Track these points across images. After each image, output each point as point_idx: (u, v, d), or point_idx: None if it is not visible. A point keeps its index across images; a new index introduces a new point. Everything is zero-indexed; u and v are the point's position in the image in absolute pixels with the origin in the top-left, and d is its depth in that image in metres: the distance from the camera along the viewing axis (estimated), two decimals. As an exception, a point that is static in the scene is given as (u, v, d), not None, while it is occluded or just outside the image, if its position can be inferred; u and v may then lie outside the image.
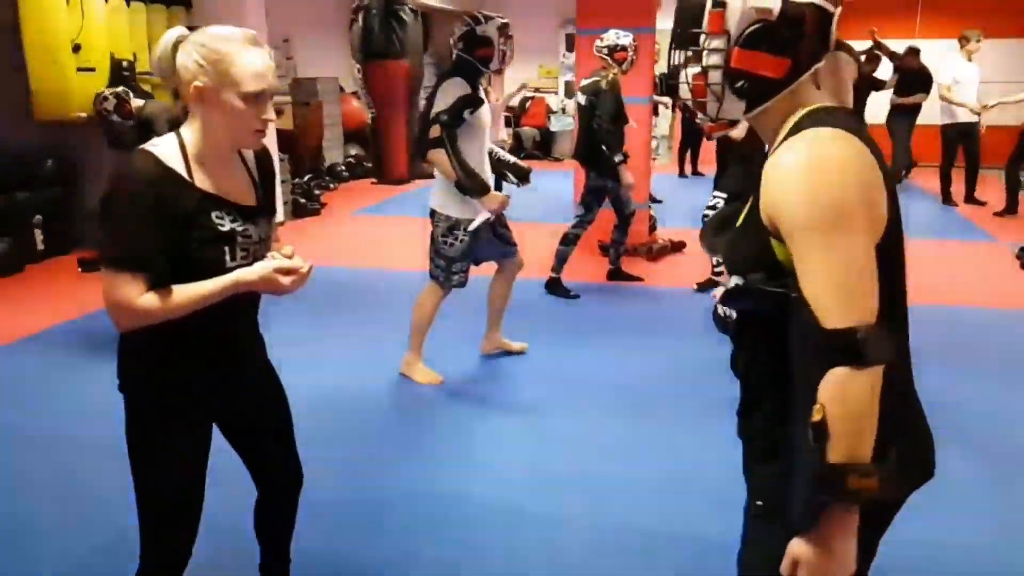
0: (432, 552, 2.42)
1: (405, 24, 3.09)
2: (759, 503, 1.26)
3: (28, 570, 2.35)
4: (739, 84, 1.19)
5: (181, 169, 1.52)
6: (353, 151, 10.55)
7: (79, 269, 5.85)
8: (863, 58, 8.56)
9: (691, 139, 10.31)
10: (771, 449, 1.23)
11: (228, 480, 1.90)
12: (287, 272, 1.56)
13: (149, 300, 1.47)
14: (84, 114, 5.63)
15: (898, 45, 9.32)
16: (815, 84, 1.20)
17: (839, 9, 1.19)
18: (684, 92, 1.26)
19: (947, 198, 8.39)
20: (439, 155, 3.39)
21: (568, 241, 5.07)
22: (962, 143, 8.18)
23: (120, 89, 4.71)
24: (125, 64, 5.70)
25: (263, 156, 1.73)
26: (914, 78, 8.92)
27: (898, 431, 1.12)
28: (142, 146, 1.54)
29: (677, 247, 6.23)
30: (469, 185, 3.36)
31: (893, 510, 1.27)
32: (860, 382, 1.02)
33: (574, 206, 5.60)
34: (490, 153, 3.70)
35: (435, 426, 3.32)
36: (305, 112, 9.67)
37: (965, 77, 8.02)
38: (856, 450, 1.03)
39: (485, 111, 3.52)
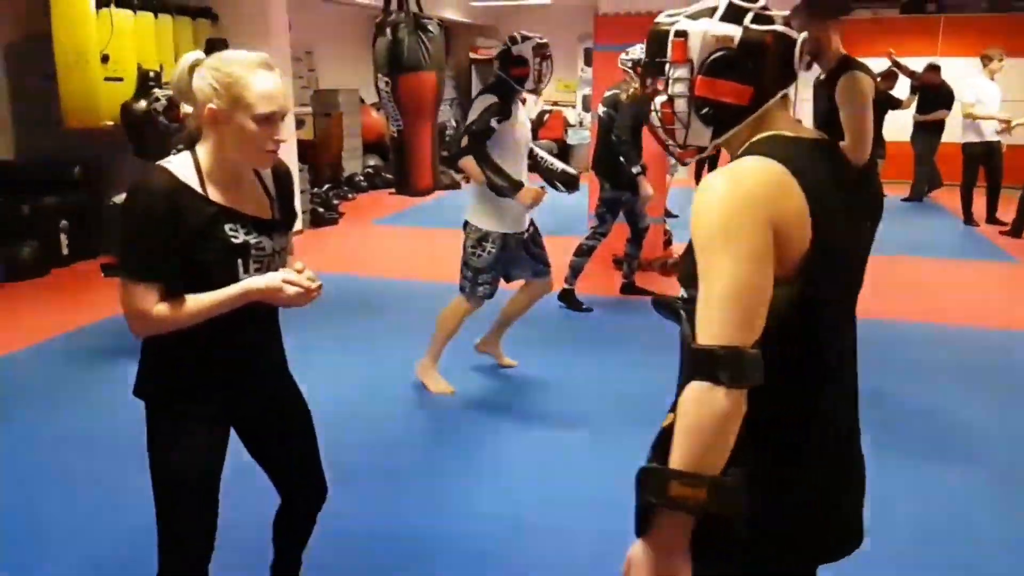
0: (445, 563, 2.45)
1: (432, 37, 3.15)
2: None
3: (47, 566, 2.40)
4: (704, 111, 1.21)
5: (195, 184, 1.58)
6: (372, 162, 10.66)
7: (102, 274, 5.95)
8: (880, 76, 8.53)
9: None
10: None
11: (243, 481, 1.94)
12: (294, 285, 1.60)
13: (162, 309, 1.54)
14: (111, 122, 5.74)
15: (919, 63, 9.29)
16: (785, 108, 1.22)
17: (803, 35, 1.21)
18: (654, 120, 1.29)
19: (968, 218, 8.32)
20: (468, 162, 3.47)
21: (582, 253, 5.09)
22: (984, 162, 8.12)
23: (169, 93, 4.82)
24: (152, 74, 5.80)
25: (282, 173, 1.78)
26: (935, 95, 8.88)
27: (792, 482, 1.17)
28: (158, 163, 1.60)
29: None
30: (500, 184, 3.40)
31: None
32: (712, 399, 1.02)
33: (589, 218, 5.64)
34: (539, 160, 3.74)
35: (444, 437, 3.35)
36: (325, 123, 9.78)
37: (987, 96, 7.97)
38: (691, 461, 1.02)
39: (520, 127, 3.56)
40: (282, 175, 1.78)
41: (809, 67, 3.34)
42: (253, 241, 1.63)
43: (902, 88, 8.75)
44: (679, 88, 1.22)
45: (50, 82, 5.68)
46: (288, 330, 1.87)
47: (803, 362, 1.16)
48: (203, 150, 1.62)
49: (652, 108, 1.28)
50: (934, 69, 8.94)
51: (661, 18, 1.26)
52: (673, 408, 1.07)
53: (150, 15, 6.02)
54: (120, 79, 5.71)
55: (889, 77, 8.58)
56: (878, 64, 8.18)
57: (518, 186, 3.43)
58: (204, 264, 1.57)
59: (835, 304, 1.19)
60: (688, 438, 1.03)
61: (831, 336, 1.19)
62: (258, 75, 1.56)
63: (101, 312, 4.85)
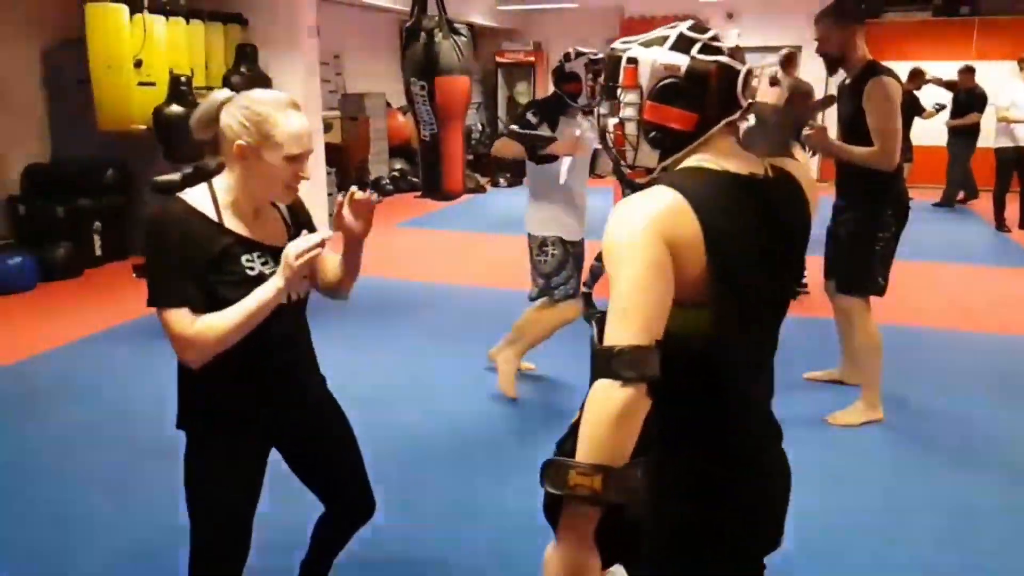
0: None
1: (464, 41, 3.21)
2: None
3: (77, 561, 2.45)
4: (652, 135, 1.27)
5: (211, 214, 1.61)
6: (398, 165, 10.73)
7: (133, 274, 6.05)
8: (907, 77, 8.43)
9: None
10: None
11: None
12: (297, 257, 1.57)
13: (201, 326, 1.55)
14: (143, 126, 5.84)
15: (952, 67, 9.16)
16: (730, 136, 1.28)
17: (747, 66, 1.26)
18: (608, 140, 1.35)
19: (1000, 224, 8.18)
20: (500, 142, 3.48)
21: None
22: (1017, 167, 7.98)
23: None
24: (183, 79, 5.90)
25: (295, 206, 1.81)
26: (968, 98, 8.75)
27: (702, 492, 1.24)
28: (176, 195, 1.64)
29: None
30: (532, 140, 3.35)
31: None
32: (611, 395, 1.09)
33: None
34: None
35: (470, 438, 3.36)
36: (352, 127, 9.87)
37: (1022, 99, 7.84)
38: (593, 454, 1.09)
39: (581, 140, 3.51)
40: (296, 206, 1.81)
41: (834, 71, 3.32)
42: (268, 272, 1.64)
43: (930, 96, 8.62)
44: (630, 112, 1.28)
45: (84, 86, 5.80)
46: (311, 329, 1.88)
47: (713, 378, 1.24)
48: (223, 182, 1.65)
49: (604, 129, 1.35)
50: (968, 72, 8.82)
51: (617, 44, 1.32)
52: (582, 407, 1.13)
53: (182, 21, 6.11)
54: (152, 84, 5.81)
55: (915, 77, 8.47)
56: (903, 68, 8.09)
57: (551, 138, 3.39)
58: (221, 296, 1.59)
59: (745, 325, 1.25)
60: (590, 432, 1.10)
61: (739, 354, 1.26)
62: (288, 115, 1.60)
63: (132, 313, 4.93)
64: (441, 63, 3.28)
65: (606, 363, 1.10)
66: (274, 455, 1.82)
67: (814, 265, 3.34)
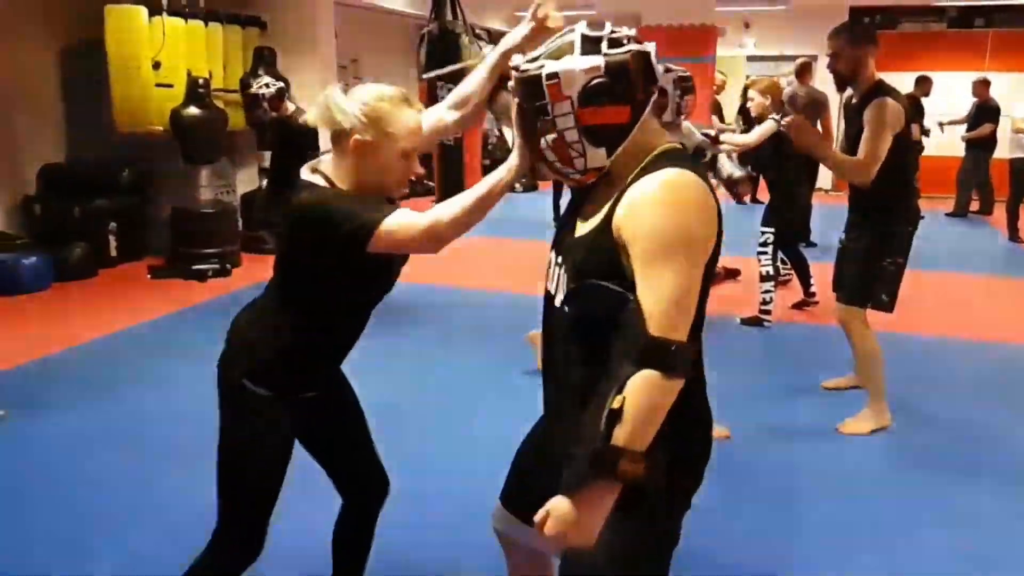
0: None
1: (483, 45, 3.24)
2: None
3: (91, 561, 2.46)
4: (594, 136, 1.31)
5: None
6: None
7: (148, 275, 6.10)
8: (914, 83, 8.43)
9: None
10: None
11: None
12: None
13: (431, 217, 1.53)
14: (160, 128, 5.89)
15: (966, 78, 9.15)
16: (654, 114, 1.35)
17: (653, 44, 1.32)
18: (550, 156, 1.35)
19: (1013, 234, 8.14)
20: None
21: None
22: (1031, 179, 7.95)
23: (282, 85, 4.94)
24: (201, 81, 5.95)
25: None
26: (981, 110, 8.73)
27: (681, 439, 1.30)
28: (304, 180, 1.64)
29: (732, 274, 6.18)
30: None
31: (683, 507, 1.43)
32: (663, 387, 1.19)
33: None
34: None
35: (489, 442, 3.36)
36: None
37: (1036, 111, 7.82)
38: (636, 441, 1.19)
39: None
40: None
41: (842, 89, 3.33)
42: None
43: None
44: (568, 122, 1.31)
45: (102, 87, 5.85)
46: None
47: (698, 349, 1.34)
48: (334, 173, 1.65)
49: (542, 145, 1.34)
50: (984, 84, 8.81)
51: (523, 65, 1.34)
52: (620, 390, 1.19)
53: (201, 23, 6.17)
54: (170, 85, 5.86)
55: (923, 83, 8.48)
56: (906, 78, 8.09)
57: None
58: (363, 269, 1.63)
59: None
60: (642, 419, 1.19)
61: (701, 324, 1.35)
62: (404, 111, 1.63)
63: (147, 314, 4.96)
64: (469, 67, 3.30)
65: (661, 355, 1.18)
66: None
67: (822, 274, 3.34)
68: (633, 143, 1.31)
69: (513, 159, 1.47)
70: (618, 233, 1.27)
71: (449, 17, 3.70)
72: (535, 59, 1.34)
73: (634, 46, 1.29)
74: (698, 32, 5.97)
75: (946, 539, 2.64)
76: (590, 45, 1.29)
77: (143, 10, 5.70)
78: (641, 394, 1.18)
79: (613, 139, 1.31)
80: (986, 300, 5.90)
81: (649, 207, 1.24)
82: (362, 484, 1.97)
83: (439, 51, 3.33)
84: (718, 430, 3.44)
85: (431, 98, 3.42)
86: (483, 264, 6.71)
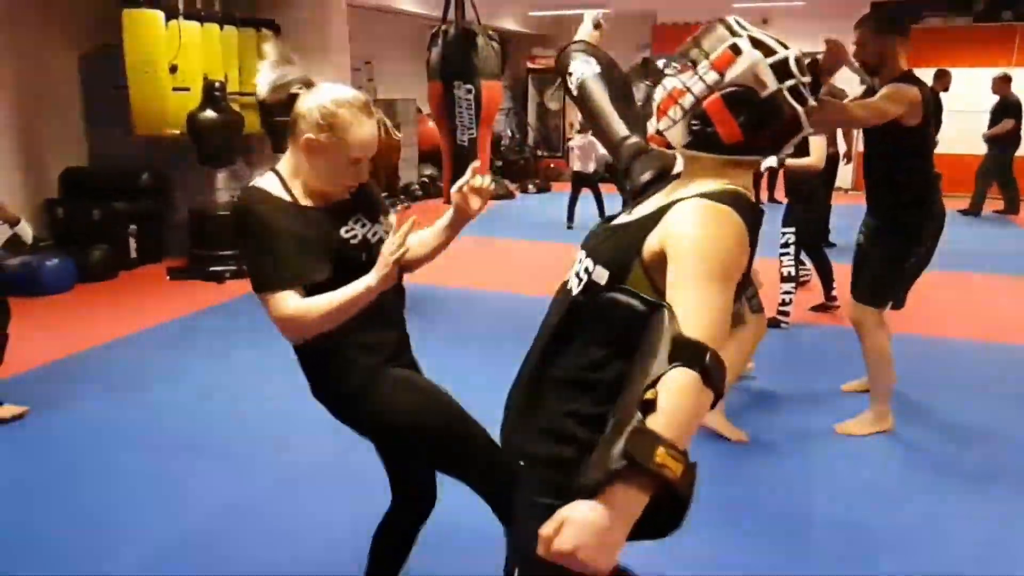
0: None
1: (497, 46, 3.25)
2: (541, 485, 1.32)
3: (113, 558, 2.48)
4: (695, 124, 1.24)
5: (287, 197, 1.66)
6: (427, 171, 10.79)
7: (167, 277, 6.16)
8: (934, 77, 8.31)
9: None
10: (565, 432, 1.30)
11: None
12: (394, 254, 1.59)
13: (299, 308, 1.59)
14: (178, 131, 5.94)
15: (993, 73, 9.00)
16: (751, 169, 1.29)
17: (812, 130, 1.27)
18: (659, 94, 1.31)
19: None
20: None
21: None
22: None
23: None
24: (217, 85, 5.99)
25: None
26: (1002, 106, 8.61)
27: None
28: (249, 184, 1.69)
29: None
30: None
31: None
32: (700, 391, 1.04)
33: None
34: None
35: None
36: (383, 132, 9.94)
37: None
38: (673, 432, 0.99)
39: None
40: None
41: (873, 78, 3.26)
42: (369, 234, 1.73)
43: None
44: (698, 88, 1.23)
45: (121, 91, 5.91)
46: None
47: None
48: (286, 168, 1.69)
49: (660, 84, 1.30)
50: (1004, 79, 8.67)
51: (732, 22, 1.27)
52: (653, 384, 1.03)
53: (216, 27, 6.21)
54: (187, 89, 5.91)
55: (941, 77, 8.37)
56: (926, 72, 7.96)
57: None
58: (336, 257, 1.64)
59: None
60: (683, 418, 1.02)
61: None
62: (362, 122, 1.65)
63: (167, 314, 5.00)
64: (485, 67, 3.30)
65: (700, 354, 1.05)
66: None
67: (843, 276, 3.28)
68: (711, 163, 1.26)
69: (372, 278, 1.56)
70: (659, 240, 1.20)
71: (467, 17, 3.70)
72: (746, 27, 1.26)
73: (803, 109, 1.22)
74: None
75: (969, 543, 2.60)
76: (782, 69, 1.21)
77: (160, 14, 5.75)
78: (686, 391, 1.03)
79: (704, 143, 1.25)
80: (1004, 300, 5.77)
81: (703, 227, 1.17)
82: (419, 488, 1.94)
83: (464, 51, 3.33)
84: (735, 433, 3.46)
85: (444, 102, 3.42)
86: (486, 265, 6.70)
